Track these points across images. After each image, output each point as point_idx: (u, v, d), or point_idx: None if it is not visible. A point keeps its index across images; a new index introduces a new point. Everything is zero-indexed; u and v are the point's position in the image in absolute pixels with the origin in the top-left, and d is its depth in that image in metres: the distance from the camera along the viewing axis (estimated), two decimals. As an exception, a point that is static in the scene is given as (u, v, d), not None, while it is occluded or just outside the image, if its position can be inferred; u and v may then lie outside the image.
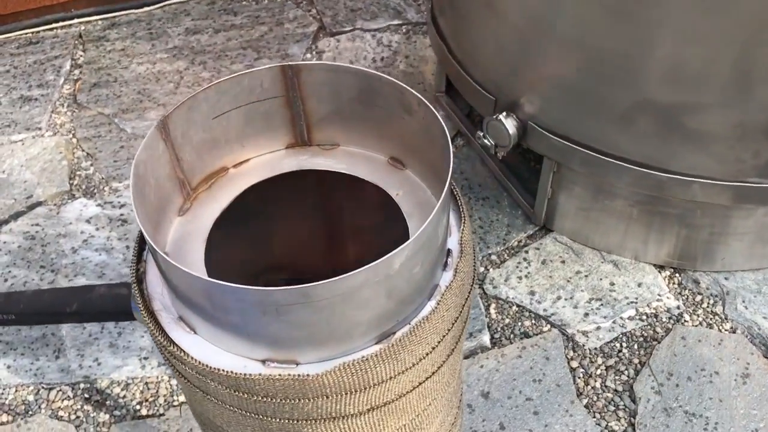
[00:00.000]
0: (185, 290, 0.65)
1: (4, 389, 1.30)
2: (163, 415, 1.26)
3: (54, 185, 1.67)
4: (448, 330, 0.72)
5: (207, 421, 0.79)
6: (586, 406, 1.26)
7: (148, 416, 1.26)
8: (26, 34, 2.12)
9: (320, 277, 0.60)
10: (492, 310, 1.41)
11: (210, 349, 0.69)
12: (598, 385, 1.29)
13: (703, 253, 1.44)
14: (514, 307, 1.41)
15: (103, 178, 1.69)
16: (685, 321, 1.38)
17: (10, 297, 1.32)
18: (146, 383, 1.30)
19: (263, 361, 0.67)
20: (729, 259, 1.44)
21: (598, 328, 1.37)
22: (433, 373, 0.74)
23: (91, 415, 1.26)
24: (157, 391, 1.29)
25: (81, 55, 2.05)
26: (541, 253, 1.50)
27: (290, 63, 0.77)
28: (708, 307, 1.41)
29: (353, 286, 0.62)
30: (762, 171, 1.24)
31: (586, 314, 1.39)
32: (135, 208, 0.64)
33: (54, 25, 2.13)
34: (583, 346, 1.35)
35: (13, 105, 1.89)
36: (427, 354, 0.71)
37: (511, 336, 1.37)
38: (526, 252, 1.50)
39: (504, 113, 1.37)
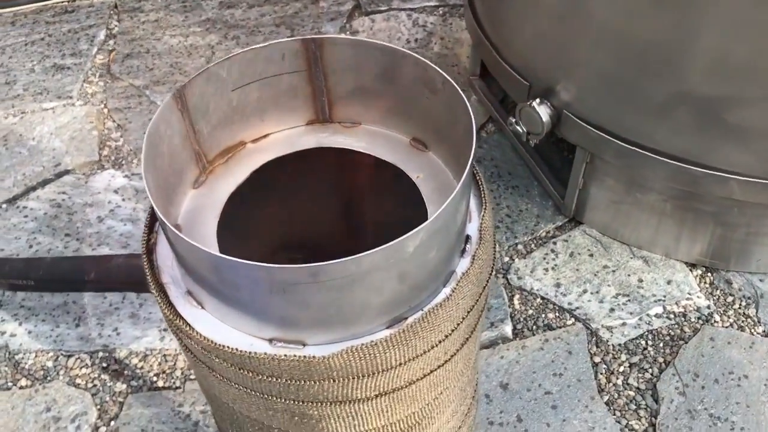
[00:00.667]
0: (193, 264, 0.64)
1: (24, 354, 1.31)
2: (179, 388, 1.26)
3: (83, 154, 1.68)
4: (463, 318, 0.70)
5: (214, 398, 0.78)
6: (606, 403, 1.23)
7: (164, 388, 1.26)
8: (62, 2, 2.13)
9: (334, 258, 0.58)
10: (516, 301, 1.38)
11: (217, 325, 0.67)
12: (620, 382, 1.26)
13: (737, 253, 1.39)
14: (539, 299, 1.38)
15: (131, 150, 1.69)
16: (715, 321, 1.34)
17: (30, 263, 1.33)
18: (164, 355, 1.31)
19: (270, 341, 0.66)
20: (765, 261, 1.40)
21: (624, 324, 1.34)
22: (446, 361, 0.72)
23: (108, 384, 1.27)
24: (175, 364, 1.29)
25: (116, 25, 2.05)
26: (570, 246, 1.46)
27: (313, 36, 0.75)
28: (740, 308, 1.36)
29: (364, 268, 0.60)
30: (805, 170, 1.20)
31: (612, 309, 1.36)
32: (144, 178, 0.63)
33: (91, -5, 2.14)
34: (607, 341, 1.31)
35: (45, 73, 1.90)
36: (439, 342, 0.69)
37: (534, 328, 1.34)
38: (554, 243, 1.47)
39: (538, 100, 1.35)
